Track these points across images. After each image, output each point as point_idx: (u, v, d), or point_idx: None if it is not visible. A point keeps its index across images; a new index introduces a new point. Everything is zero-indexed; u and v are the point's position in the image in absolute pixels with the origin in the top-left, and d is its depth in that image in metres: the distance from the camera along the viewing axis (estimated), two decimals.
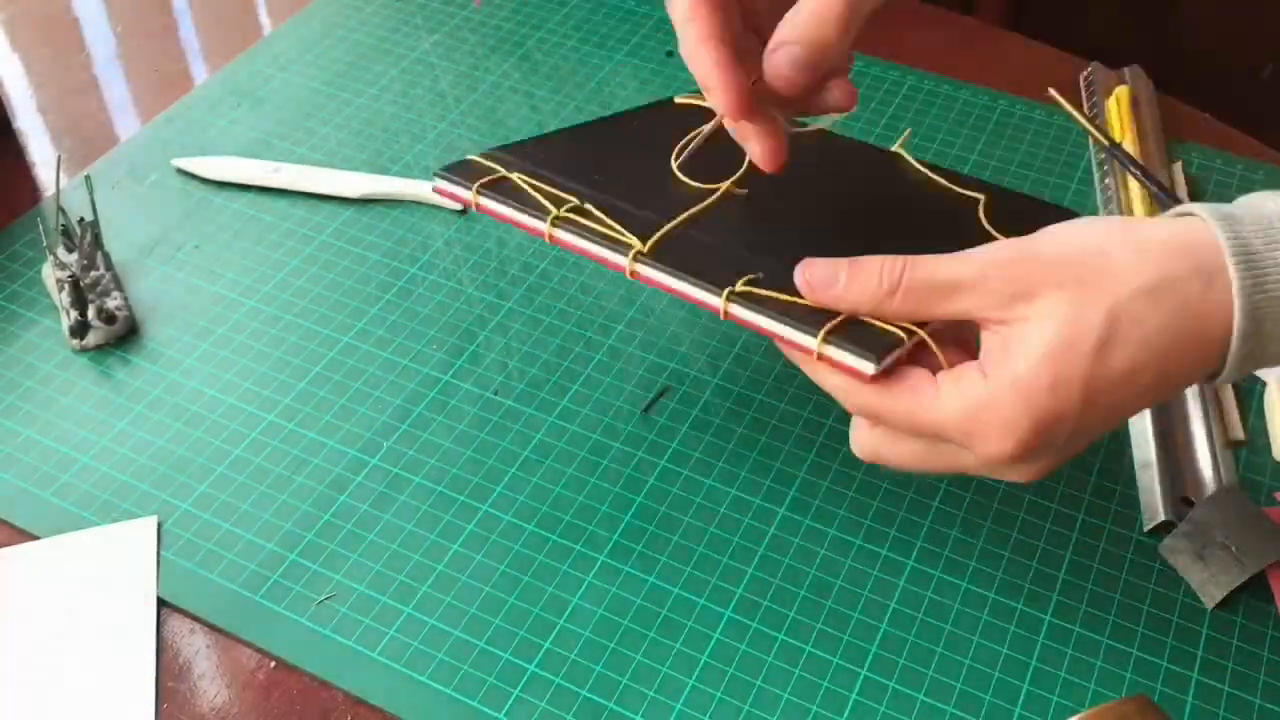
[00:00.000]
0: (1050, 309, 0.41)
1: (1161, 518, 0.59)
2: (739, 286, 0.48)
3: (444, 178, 0.56)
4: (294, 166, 0.79)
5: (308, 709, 0.54)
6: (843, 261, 0.46)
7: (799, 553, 0.59)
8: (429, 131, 0.82)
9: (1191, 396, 0.64)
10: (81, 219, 0.71)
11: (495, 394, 0.66)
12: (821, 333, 0.46)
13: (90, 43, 0.91)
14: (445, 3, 0.93)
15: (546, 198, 0.53)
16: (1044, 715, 0.53)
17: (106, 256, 0.71)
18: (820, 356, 0.46)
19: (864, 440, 0.48)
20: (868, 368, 0.44)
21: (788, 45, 0.47)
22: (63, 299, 0.68)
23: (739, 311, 0.48)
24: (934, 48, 0.90)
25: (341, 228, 0.75)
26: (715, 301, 0.48)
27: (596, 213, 0.52)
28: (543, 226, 0.52)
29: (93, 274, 0.70)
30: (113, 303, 0.69)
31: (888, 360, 0.45)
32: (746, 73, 0.49)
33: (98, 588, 0.57)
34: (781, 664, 0.55)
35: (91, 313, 0.67)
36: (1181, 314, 0.40)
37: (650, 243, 0.50)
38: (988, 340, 0.44)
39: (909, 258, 0.44)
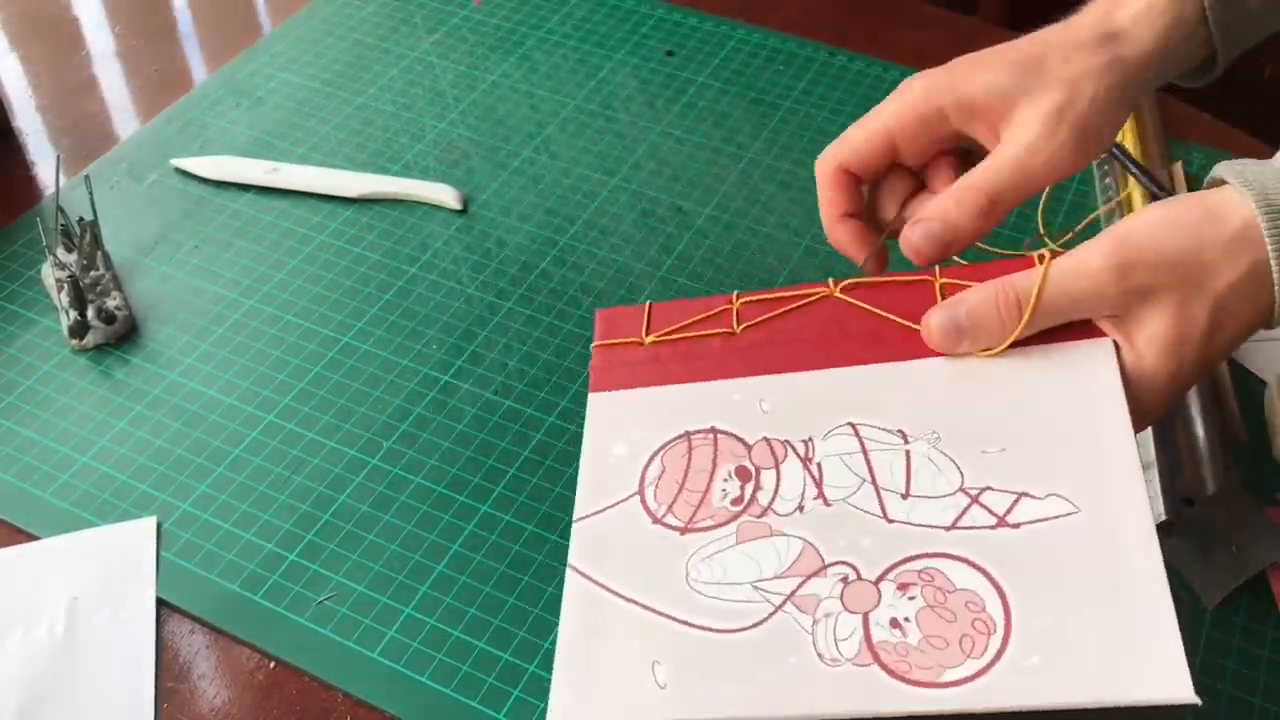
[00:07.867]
0: (1164, 307, 0.47)
1: (1162, 518, 0.59)
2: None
3: None
4: (293, 166, 0.79)
5: (307, 709, 0.54)
6: (957, 307, 0.49)
7: None
8: (429, 131, 0.82)
9: (1192, 396, 0.64)
10: (81, 219, 0.71)
11: (495, 394, 0.66)
12: None
13: (90, 42, 0.91)
14: (445, 3, 0.93)
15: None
16: None
17: (106, 256, 0.71)
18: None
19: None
20: None
21: (926, 222, 0.51)
22: (62, 299, 0.68)
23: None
24: (934, 48, 0.89)
25: (341, 228, 0.75)
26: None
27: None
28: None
29: (92, 274, 0.70)
30: (112, 302, 0.69)
31: None
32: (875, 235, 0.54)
33: (98, 588, 0.57)
34: None
35: (91, 312, 0.67)
36: (1265, 291, 0.47)
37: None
38: (1104, 325, 0.49)
39: (1017, 288, 0.48)
